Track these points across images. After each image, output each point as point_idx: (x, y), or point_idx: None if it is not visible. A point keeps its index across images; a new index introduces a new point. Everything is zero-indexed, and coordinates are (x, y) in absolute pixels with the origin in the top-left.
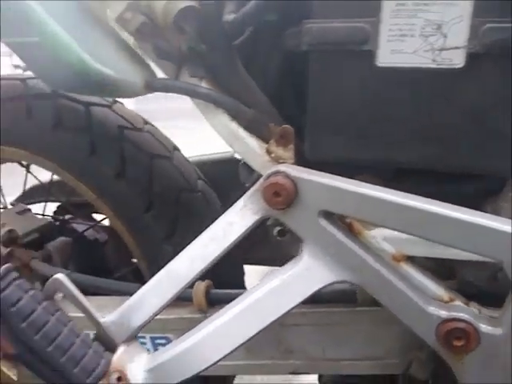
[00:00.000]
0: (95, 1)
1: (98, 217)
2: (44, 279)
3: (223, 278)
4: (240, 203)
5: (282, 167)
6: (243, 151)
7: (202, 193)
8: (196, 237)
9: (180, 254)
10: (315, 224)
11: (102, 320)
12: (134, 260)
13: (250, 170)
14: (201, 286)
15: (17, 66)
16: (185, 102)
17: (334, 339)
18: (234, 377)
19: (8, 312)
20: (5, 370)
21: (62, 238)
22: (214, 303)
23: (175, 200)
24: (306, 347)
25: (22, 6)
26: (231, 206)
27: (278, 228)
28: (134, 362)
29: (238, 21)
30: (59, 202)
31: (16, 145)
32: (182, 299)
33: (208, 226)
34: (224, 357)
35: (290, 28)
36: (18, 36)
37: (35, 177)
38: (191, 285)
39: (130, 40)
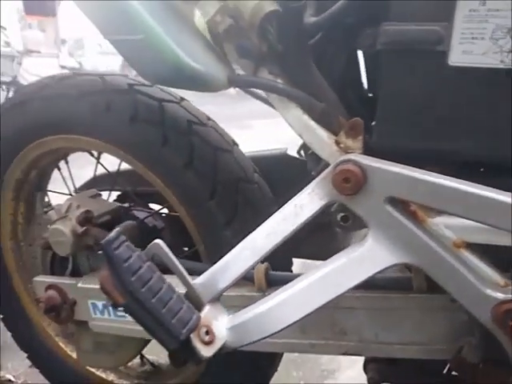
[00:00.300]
0: (183, 1)
1: (154, 207)
2: None
3: (273, 268)
4: (309, 188)
5: (351, 156)
6: (313, 141)
7: (258, 185)
8: (253, 225)
9: (258, 228)
10: (381, 210)
11: (192, 282)
12: (185, 248)
13: (317, 159)
14: (261, 267)
15: (63, 67)
16: None
17: (386, 323)
18: (282, 357)
19: (121, 267)
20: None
21: (128, 222)
22: (273, 284)
23: (235, 189)
24: (360, 330)
25: (127, 6)
26: (285, 197)
27: (341, 214)
28: (218, 321)
29: (319, 23)
30: (122, 191)
31: (94, 135)
32: (243, 279)
33: (264, 216)
34: (293, 323)
35: (364, 29)
36: (122, 34)
37: (104, 167)
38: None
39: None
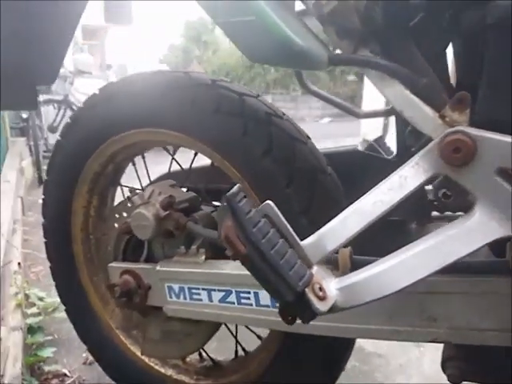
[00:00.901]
0: None
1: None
2: (190, 241)
3: None
4: (413, 161)
5: (461, 127)
6: (415, 116)
7: (331, 176)
8: (327, 215)
9: (364, 196)
10: (491, 181)
11: (301, 242)
12: None
13: (417, 135)
14: (346, 251)
15: (162, 61)
16: None
17: (480, 309)
18: (354, 344)
19: (243, 219)
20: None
21: (203, 211)
22: (357, 268)
23: (311, 179)
24: (451, 316)
25: None
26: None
27: (443, 190)
28: (327, 282)
29: (423, 4)
30: (193, 187)
31: (177, 129)
32: (326, 263)
33: (336, 208)
34: (403, 288)
35: (470, 8)
36: (233, 17)
37: (178, 162)
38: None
39: None
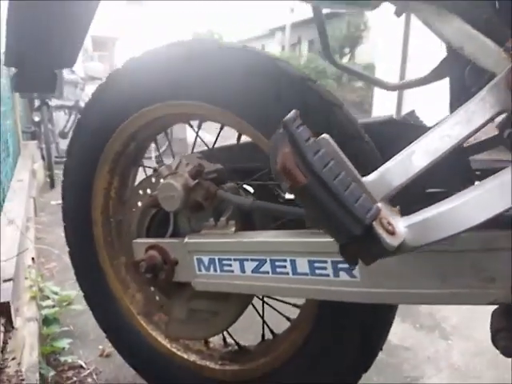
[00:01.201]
0: None
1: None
2: (218, 213)
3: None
4: (479, 96)
5: None
6: (477, 51)
7: (369, 144)
8: None
9: (430, 131)
10: None
11: (362, 178)
12: None
13: (476, 73)
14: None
15: None
16: None
17: None
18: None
19: (303, 145)
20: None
21: (231, 183)
22: None
23: (348, 145)
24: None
25: None
26: None
27: (509, 130)
28: (394, 219)
29: None
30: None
31: (204, 100)
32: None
33: None
34: (476, 225)
35: None
36: None
37: (202, 140)
38: None
39: None
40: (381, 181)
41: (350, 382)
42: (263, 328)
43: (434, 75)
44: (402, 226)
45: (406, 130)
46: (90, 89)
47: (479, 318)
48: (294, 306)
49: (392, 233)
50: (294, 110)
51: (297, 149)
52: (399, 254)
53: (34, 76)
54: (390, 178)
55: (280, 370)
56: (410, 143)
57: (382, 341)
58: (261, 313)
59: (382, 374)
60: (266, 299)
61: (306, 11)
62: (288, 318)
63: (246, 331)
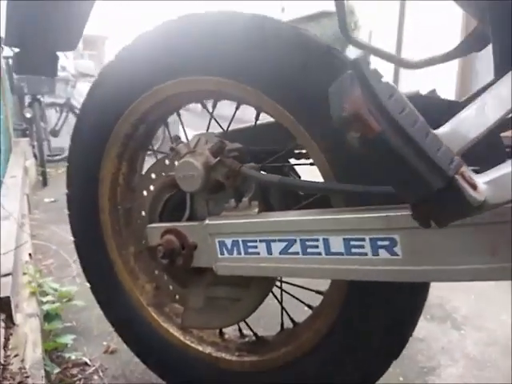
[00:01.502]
0: None
1: None
2: (240, 194)
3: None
4: None
5: None
6: None
7: None
8: None
9: (501, 81)
10: None
11: (434, 130)
12: None
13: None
14: None
15: None
16: None
17: None
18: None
19: (376, 87)
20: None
21: (251, 163)
22: None
23: None
24: None
25: None
26: None
27: None
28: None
29: None
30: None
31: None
32: None
33: None
34: None
35: None
36: None
37: (217, 121)
38: None
39: None
40: (456, 133)
41: (379, 369)
42: (282, 316)
43: (460, 50)
44: (481, 183)
45: (432, 105)
46: (82, 86)
47: (489, 308)
48: (318, 292)
49: (475, 187)
50: (361, 51)
51: (370, 92)
52: (480, 212)
53: (35, 57)
54: (465, 130)
55: (303, 359)
56: (437, 118)
57: (413, 325)
58: (280, 300)
59: (397, 365)
60: (283, 287)
61: (297, 11)
62: (309, 306)
63: (256, 325)
